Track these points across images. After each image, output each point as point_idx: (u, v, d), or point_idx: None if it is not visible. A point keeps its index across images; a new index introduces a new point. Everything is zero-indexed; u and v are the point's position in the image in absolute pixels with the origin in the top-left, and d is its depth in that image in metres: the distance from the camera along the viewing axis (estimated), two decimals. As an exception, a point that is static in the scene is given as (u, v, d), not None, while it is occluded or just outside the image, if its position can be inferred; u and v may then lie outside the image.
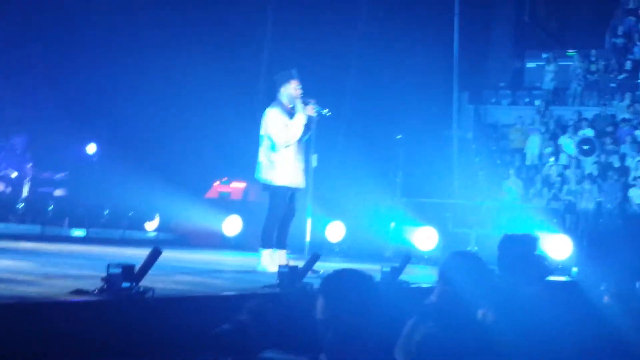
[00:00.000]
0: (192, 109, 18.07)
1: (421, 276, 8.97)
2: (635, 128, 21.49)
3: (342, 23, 21.15)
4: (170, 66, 17.34)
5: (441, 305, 4.07)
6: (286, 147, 8.70)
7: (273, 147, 8.72)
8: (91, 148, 16.80)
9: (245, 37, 20.09)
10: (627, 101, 22.44)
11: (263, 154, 8.80)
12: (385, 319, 3.07)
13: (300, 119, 8.72)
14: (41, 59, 16.47)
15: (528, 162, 21.74)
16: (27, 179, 15.26)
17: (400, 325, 4.04)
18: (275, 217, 8.75)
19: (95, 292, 4.65)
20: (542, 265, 5.49)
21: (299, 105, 8.76)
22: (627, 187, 19.22)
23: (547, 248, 10.14)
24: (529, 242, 5.30)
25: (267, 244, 8.67)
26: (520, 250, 5.15)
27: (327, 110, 8.87)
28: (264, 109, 8.95)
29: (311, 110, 8.81)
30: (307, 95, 8.86)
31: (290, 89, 8.81)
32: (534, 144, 22.05)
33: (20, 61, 16.01)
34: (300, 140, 8.83)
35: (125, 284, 4.69)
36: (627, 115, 22.12)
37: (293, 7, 20.54)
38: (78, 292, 4.69)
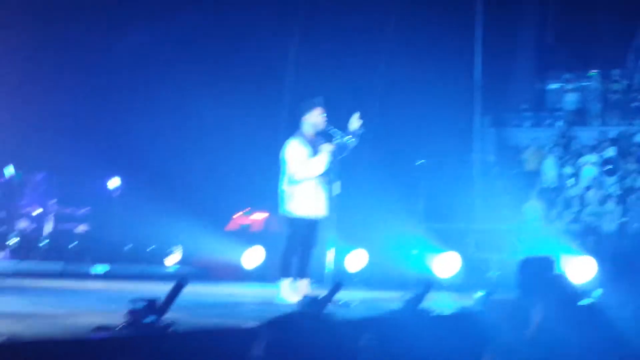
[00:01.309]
0: (213, 140, 18.10)
1: (443, 303, 8.90)
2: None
3: (365, 49, 21.17)
4: (191, 99, 17.42)
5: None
6: (304, 181, 8.62)
7: (293, 179, 8.66)
8: (113, 182, 16.88)
9: (267, 66, 20.12)
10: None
11: (284, 185, 8.75)
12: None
13: (323, 158, 8.60)
14: (63, 96, 16.63)
15: (545, 185, 21.59)
16: (51, 215, 15.34)
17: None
18: (292, 246, 8.66)
19: (119, 328, 4.68)
20: (562, 285, 5.46)
21: (326, 145, 8.63)
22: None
23: (570, 270, 10.05)
24: (546, 264, 5.30)
25: (285, 274, 8.57)
26: (537, 271, 5.15)
27: (349, 137, 8.65)
28: (286, 139, 8.82)
29: (331, 146, 8.67)
30: (330, 124, 8.72)
31: (314, 117, 8.68)
32: (549, 166, 21.91)
33: (42, 100, 16.18)
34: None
35: (149, 319, 4.72)
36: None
37: (316, 33, 20.60)
38: (101, 328, 4.70)
